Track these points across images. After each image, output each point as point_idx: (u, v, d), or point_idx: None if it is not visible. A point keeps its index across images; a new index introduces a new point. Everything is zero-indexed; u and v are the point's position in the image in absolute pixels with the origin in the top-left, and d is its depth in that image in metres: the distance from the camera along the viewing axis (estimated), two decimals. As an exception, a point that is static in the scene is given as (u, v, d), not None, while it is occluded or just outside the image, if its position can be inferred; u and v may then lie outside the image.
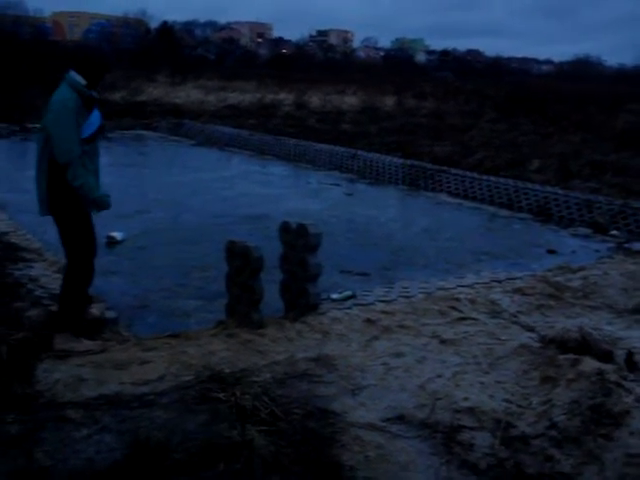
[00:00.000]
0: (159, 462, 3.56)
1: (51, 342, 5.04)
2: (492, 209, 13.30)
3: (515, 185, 13.76)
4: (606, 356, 4.88)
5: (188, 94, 32.49)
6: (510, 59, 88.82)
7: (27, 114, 20.86)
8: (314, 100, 30.58)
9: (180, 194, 13.13)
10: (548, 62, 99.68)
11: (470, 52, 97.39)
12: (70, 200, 5.14)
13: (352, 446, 3.82)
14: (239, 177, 15.97)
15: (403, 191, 15.18)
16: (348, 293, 6.45)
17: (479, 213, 13.01)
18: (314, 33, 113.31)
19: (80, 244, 5.30)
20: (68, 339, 5.08)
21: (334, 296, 6.35)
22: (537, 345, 5.30)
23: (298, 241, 5.77)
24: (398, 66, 65.84)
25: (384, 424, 4.10)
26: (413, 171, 15.87)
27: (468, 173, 15.01)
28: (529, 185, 13.66)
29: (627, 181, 13.85)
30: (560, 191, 13.12)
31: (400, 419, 4.17)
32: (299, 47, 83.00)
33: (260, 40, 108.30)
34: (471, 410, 4.27)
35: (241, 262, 5.47)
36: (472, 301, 6.46)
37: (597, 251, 10.14)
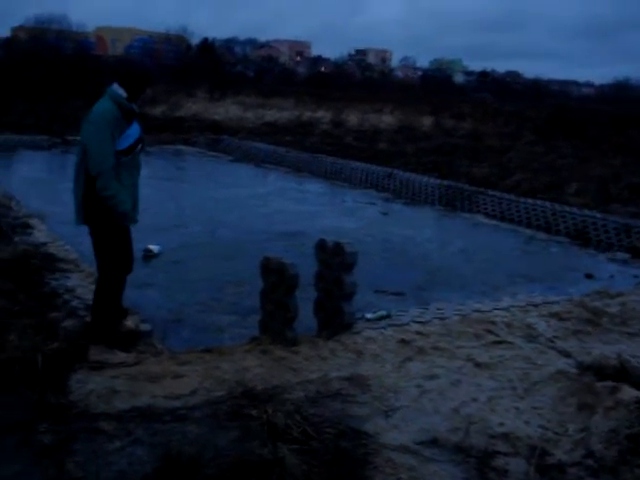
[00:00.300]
0: (190, 477, 3.55)
1: (86, 353, 5.07)
2: (529, 232, 13.17)
3: (553, 208, 13.61)
4: (645, 385, 4.77)
5: (227, 110, 32.75)
6: (550, 81, 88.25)
7: (68, 127, 21.18)
8: (351, 118, 30.64)
9: (217, 209, 13.21)
10: (588, 85, 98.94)
11: (509, 73, 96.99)
12: (104, 212, 5.18)
13: (384, 468, 3.78)
14: (275, 194, 16.02)
15: (439, 212, 15.10)
16: (383, 313, 6.41)
17: (516, 235, 12.89)
18: (353, 52, 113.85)
19: (111, 257, 5.32)
20: (102, 351, 5.11)
21: (368, 316, 6.31)
22: (574, 371, 5.21)
23: (334, 259, 5.74)
24: (436, 86, 65.80)
25: (417, 447, 4.05)
26: (450, 192, 15.79)
27: (505, 195, 14.89)
28: (567, 208, 13.51)
29: (667, 206, 13.65)
30: (598, 215, 12.95)
31: (433, 442, 4.12)
32: (337, 66, 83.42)
33: (299, 58, 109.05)
34: (506, 436, 4.20)
35: (276, 279, 5.46)
36: (508, 324, 6.37)
37: (636, 277, 9.99)
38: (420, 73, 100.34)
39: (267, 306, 5.62)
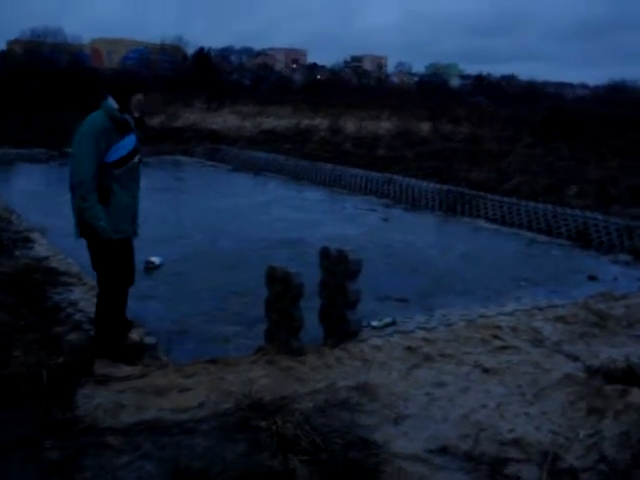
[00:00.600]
0: (200, 491, 3.52)
1: (91, 367, 5.04)
2: (530, 235, 13.14)
3: (554, 210, 13.59)
4: (655, 387, 4.74)
5: (224, 119, 32.79)
6: (545, 83, 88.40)
7: (65, 139, 21.17)
8: (349, 125, 30.66)
9: (217, 219, 13.19)
10: (583, 86, 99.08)
11: (504, 77, 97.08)
12: None
13: (395, 477, 3.74)
14: (275, 202, 16.01)
15: (440, 217, 15.08)
16: (388, 320, 6.38)
17: (517, 239, 12.87)
18: (348, 59, 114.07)
19: (108, 270, 5.28)
20: (107, 364, 5.08)
21: (374, 323, 6.28)
22: (582, 375, 5.18)
23: (338, 267, 5.72)
24: (432, 91, 65.90)
25: (427, 455, 4.01)
26: (450, 196, 15.77)
27: (505, 199, 14.87)
28: (568, 210, 13.48)
29: (668, 207, 13.62)
30: (600, 216, 12.92)
31: (444, 450, 4.08)
32: (334, 73, 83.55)
33: (295, 66, 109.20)
34: (517, 442, 4.17)
35: (281, 288, 5.43)
36: (514, 329, 6.35)
37: (639, 279, 9.95)
38: (416, 78, 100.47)
39: (272, 316, 5.59)
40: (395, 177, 17.73)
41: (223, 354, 5.71)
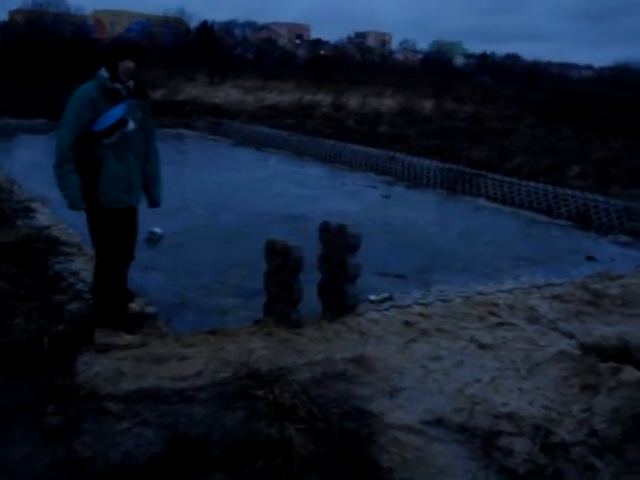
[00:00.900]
0: (197, 457, 3.59)
1: (91, 335, 5.09)
2: (530, 215, 13.19)
3: (554, 191, 13.62)
4: (648, 365, 4.81)
5: (227, 94, 32.68)
6: (550, 64, 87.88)
7: (66, 110, 21.12)
8: (352, 102, 30.57)
9: (219, 193, 13.22)
10: (588, 67, 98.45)
11: (509, 56, 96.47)
12: (92, 196, 5.15)
13: (390, 448, 3.81)
14: (276, 177, 16.03)
15: (441, 195, 15.11)
16: (385, 295, 6.43)
17: (517, 218, 12.91)
18: (352, 35, 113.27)
19: (102, 240, 5.26)
20: (108, 333, 5.13)
21: (372, 297, 6.34)
22: (577, 352, 5.25)
23: (338, 241, 5.77)
24: (436, 69, 65.51)
25: (422, 427, 4.08)
26: (451, 175, 15.79)
27: (507, 178, 14.88)
28: (569, 191, 13.51)
29: (669, 189, 13.64)
30: (600, 198, 12.95)
31: (438, 422, 4.15)
32: (337, 49, 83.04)
33: (298, 41, 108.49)
34: (510, 416, 4.24)
35: (281, 261, 5.48)
36: (511, 306, 6.40)
37: (637, 259, 10.00)
38: (420, 56, 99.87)
39: (271, 288, 5.64)
40: (397, 155, 17.73)
41: (222, 325, 5.76)
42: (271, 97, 32.17)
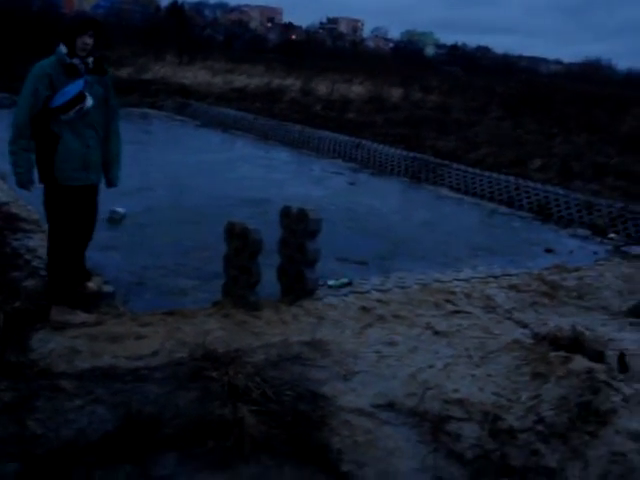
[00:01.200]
0: (150, 435, 3.61)
1: (47, 313, 5.06)
2: (492, 205, 13.33)
3: (516, 183, 13.78)
4: (597, 356, 4.91)
5: (195, 75, 32.42)
6: (519, 57, 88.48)
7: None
8: (321, 87, 30.49)
9: (183, 174, 13.15)
10: (557, 62, 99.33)
11: (480, 48, 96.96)
12: (47, 172, 5.09)
13: (341, 430, 3.86)
14: (242, 160, 15.98)
15: (405, 183, 15.20)
16: (344, 280, 6.48)
17: (479, 209, 13.05)
18: (324, 20, 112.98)
19: (56, 219, 5.19)
20: (64, 311, 5.10)
21: (330, 282, 6.38)
22: (529, 341, 5.34)
23: (298, 226, 5.79)
24: (407, 58, 65.61)
25: (373, 410, 4.14)
26: (416, 164, 15.88)
27: (470, 169, 15.02)
28: (530, 184, 13.68)
29: (628, 185, 13.86)
30: (561, 191, 13.13)
31: (390, 406, 4.21)
32: (309, 34, 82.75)
33: (270, 24, 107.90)
34: (460, 401, 4.31)
35: (240, 243, 5.49)
36: (467, 295, 6.49)
37: (595, 253, 10.18)
38: (391, 44, 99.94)
39: (230, 271, 5.65)
40: (364, 142, 17.78)
41: (180, 306, 5.77)
42: (240, 80, 31.98)
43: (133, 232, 8.82)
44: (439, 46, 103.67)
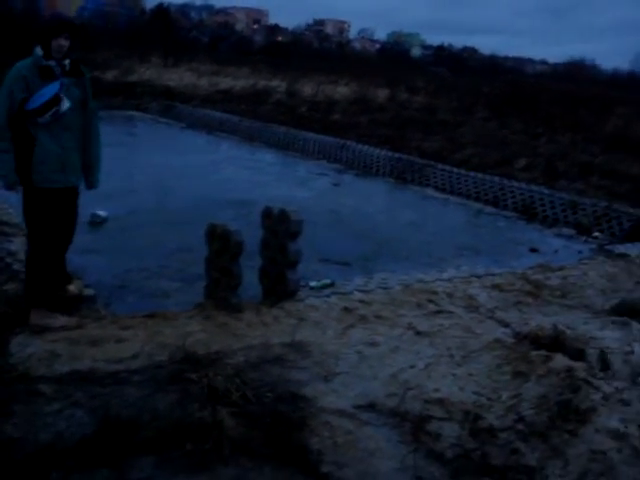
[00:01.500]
0: (128, 439, 3.58)
1: (27, 317, 5.03)
2: (478, 206, 13.36)
3: (501, 183, 13.81)
4: (578, 354, 4.92)
5: (180, 77, 32.36)
6: (505, 58, 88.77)
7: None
8: (306, 89, 30.50)
9: (167, 176, 13.11)
10: (543, 63, 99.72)
11: (466, 49, 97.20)
12: (27, 175, 5.04)
13: (321, 431, 3.85)
14: (227, 162, 15.96)
15: (390, 184, 15.21)
16: (327, 281, 6.48)
17: (464, 209, 13.07)
18: (311, 22, 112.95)
19: (34, 222, 5.16)
20: (44, 315, 5.07)
21: (312, 284, 6.37)
22: (511, 340, 5.35)
23: (279, 227, 5.78)
24: (393, 59, 65.70)
25: (354, 411, 4.13)
26: (401, 164, 15.89)
27: (455, 169, 15.05)
28: (515, 183, 13.72)
29: (613, 184, 13.94)
30: (546, 191, 13.18)
31: (370, 407, 4.20)
32: (295, 35, 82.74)
33: (256, 26, 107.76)
34: (441, 401, 4.31)
35: (221, 245, 5.48)
36: (450, 295, 6.49)
37: (579, 252, 10.22)
38: (378, 46, 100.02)
39: (212, 273, 5.64)
40: (348, 143, 17.78)
41: (163, 309, 5.74)
42: (225, 82, 31.94)
43: (115, 235, 8.79)
44: (425, 47, 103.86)
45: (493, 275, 7.43)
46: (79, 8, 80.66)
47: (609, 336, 5.64)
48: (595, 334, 5.63)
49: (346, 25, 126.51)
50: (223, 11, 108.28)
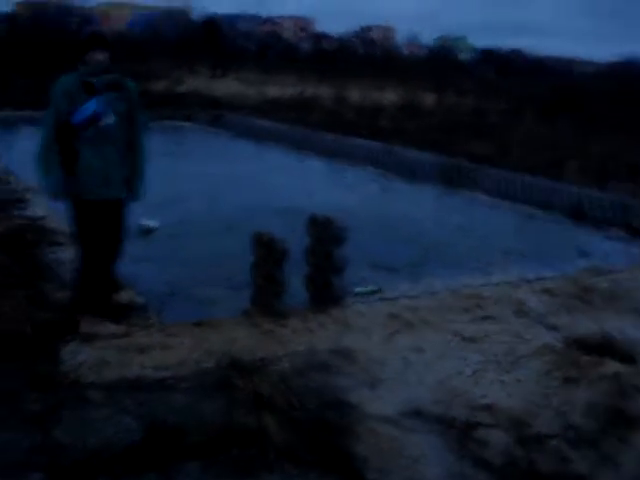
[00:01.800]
0: (174, 445, 3.63)
1: (77, 325, 5.13)
2: (527, 209, 13.17)
3: (551, 185, 13.61)
4: (628, 359, 4.83)
5: (229, 86, 32.67)
6: (553, 59, 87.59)
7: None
8: (353, 95, 30.49)
9: (215, 185, 13.24)
10: (593, 63, 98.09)
11: (513, 51, 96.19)
12: (71, 188, 5.18)
13: (366, 438, 3.84)
14: (275, 170, 16.04)
15: (438, 189, 15.10)
16: (373, 287, 6.47)
17: (514, 212, 12.91)
18: (357, 28, 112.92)
19: (79, 233, 5.30)
20: (94, 323, 5.16)
21: (358, 290, 6.37)
22: (560, 346, 5.27)
23: (324, 234, 5.79)
24: (440, 63, 65.37)
25: (400, 417, 4.11)
26: (449, 169, 15.77)
27: (504, 172, 14.86)
28: (566, 186, 13.49)
29: (665, 186, 13.62)
30: (597, 193, 12.94)
31: (416, 413, 4.18)
32: (341, 42, 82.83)
33: (303, 34, 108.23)
34: (489, 408, 4.27)
35: (265, 252, 5.51)
36: (498, 300, 6.42)
37: (630, 255, 10.00)
38: (425, 50, 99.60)
39: (257, 280, 5.67)
40: (396, 148, 17.71)
41: (210, 316, 5.79)
42: (273, 90, 32.13)
43: (165, 243, 8.90)
44: (473, 50, 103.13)
45: (542, 279, 7.33)
46: (130, 22, 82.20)
47: (662, 341, 5.53)
48: (647, 339, 5.52)
49: (392, 31, 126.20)
50: (270, 20, 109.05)
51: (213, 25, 64.00)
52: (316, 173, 16.48)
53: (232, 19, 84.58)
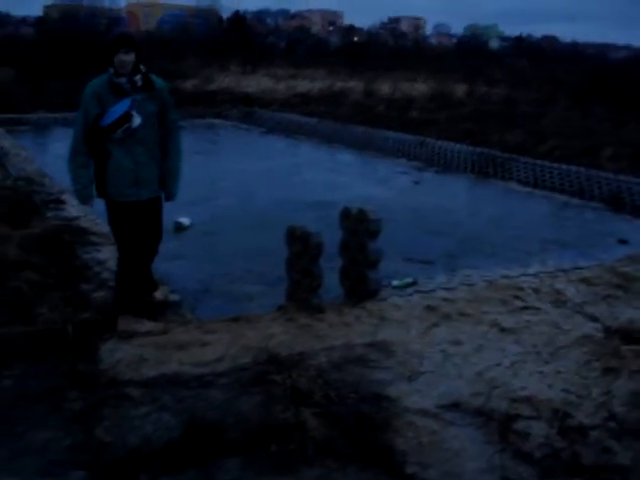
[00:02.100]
0: (214, 441, 3.64)
1: (115, 323, 5.17)
2: (563, 198, 13.02)
3: (587, 173, 13.42)
4: (671, 348, 4.75)
5: (259, 82, 32.73)
6: (586, 45, 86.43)
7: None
8: (384, 88, 30.36)
9: (248, 181, 13.28)
10: (626, 47, 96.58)
11: (545, 38, 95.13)
12: (103, 189, 5.21)
13: (405, 431, 3.82)
14: (306, 164, 16.04)
15: (472, 179, 14.99)
16: (409, 280, 6.42)
17: (549, 202, 12.76)
18: (385, 20, 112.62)
19: (116, 232, 5.34)
20: (131, 321, 5.20)
21: (394, 283, 6.33)
22: (600, 335, 5.20)
23: (358, 227, 5.76)
24: (470, 53, 64.81)
25: (438, 411, 4.08)
26: (482, 159, 15.65)
27: (539, 161, 14.70)
28: (602, 173, 13.30)
29: None
30: (634, 180, 12.73)
31: (455, 406, 4.15)
32: (370, 35, 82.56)
33: (331, 28, 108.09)
34: (528, 399, 4.22)
35: (301, 247, 5.50)
36: (536, 290, 6.35)
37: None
38: (454, 40, 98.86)
39: (293, 275, 5.67)
40: (428, 139, 17.61)
41: (246, 312, 5.79)
42: (302, 85, 32.12)
43: (199, 240, 8.95)
44: (504, 38, 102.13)
45: (581, 269, 7.22)
46: (159, 21, 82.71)
47: None
48: (690, 327, 5.42)
49: (421, 21, 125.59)
50: (299, 15, 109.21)
51: (241, 21, 64.16)
52: (348, 166, 16.43)
53: (260, 15, 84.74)
